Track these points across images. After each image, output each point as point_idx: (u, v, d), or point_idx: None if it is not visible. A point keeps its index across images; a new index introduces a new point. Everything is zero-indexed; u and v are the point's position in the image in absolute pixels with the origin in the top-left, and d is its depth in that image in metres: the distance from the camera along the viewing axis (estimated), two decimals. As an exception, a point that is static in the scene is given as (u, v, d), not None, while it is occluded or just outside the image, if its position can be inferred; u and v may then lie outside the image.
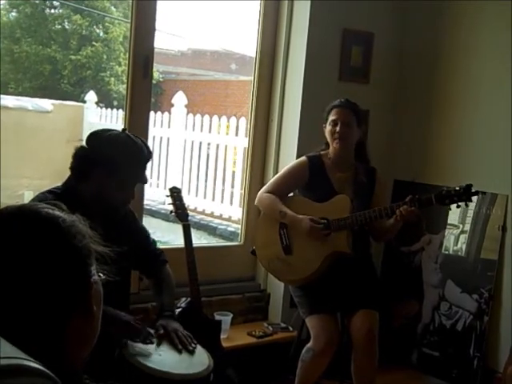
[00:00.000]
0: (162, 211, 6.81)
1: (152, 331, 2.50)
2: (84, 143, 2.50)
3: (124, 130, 2.60)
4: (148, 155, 2.53)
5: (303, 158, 3.38)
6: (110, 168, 2.42)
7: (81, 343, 1.07)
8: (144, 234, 2.82)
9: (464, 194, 2.97)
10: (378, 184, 3.39)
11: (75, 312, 1.04)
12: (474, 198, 3.12)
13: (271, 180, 3.44)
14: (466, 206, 3.06)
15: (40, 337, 0.97)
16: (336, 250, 3.16)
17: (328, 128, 3.28)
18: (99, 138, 2.48)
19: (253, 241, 3.55)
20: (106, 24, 8.52)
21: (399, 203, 3.05)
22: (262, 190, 3.38)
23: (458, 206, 3.03)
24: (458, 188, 2.99)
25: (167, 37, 8.38)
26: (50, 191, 2.47)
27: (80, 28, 8.13)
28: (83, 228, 1.10)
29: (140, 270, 2.86)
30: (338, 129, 3.23)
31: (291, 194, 3.41)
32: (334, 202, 3.22)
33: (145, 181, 2.61)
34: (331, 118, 3.26)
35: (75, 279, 1.05)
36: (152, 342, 2.44)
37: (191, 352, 2.49)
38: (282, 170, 3.45)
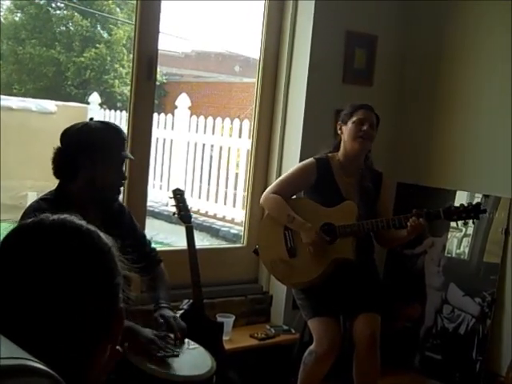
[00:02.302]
0: (165, 213, 6.82)
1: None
2: (59, 144, 2.50)
3: (91, 119, 2.61)
4: (121, 132, 2.57)
5: (311, 159, 3.33)
6: (93, 156, 2.44)
7: (103, 368, 1.07)
8: (140, 233, 2.83)
9: (472, 211, 2.97)
10: (383, 189, 3.37)
11: (104, 339, 1.05)
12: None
13: (277, 180, 3.40)
14: (473, 223, 3.07)
15: (68, 361, 0.97)
16: (340, 257, 3.15)
17: (350, 126, 3.22)
18: (71, 133, 2.49)
19: (256, 240, 3.54)
20: (110, 26, 8.54)
21: (407, 215, 3.03)
22: (267, 190, 3.34)
23: (466, 223, 3.03)
24: (466, 205, 2.99)
25: (171, 38, 8.39)
26: (42, 199, 2.46)
27: (84, 30, 8.14)
28: (113, 245, 1.09)
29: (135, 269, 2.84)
30: (364, 127, 3.20)
31: (298, 196, 3.40)
32: (341, 208, 3.19)
33: (128, 156, 2.62)
34: (357, 116, 3.21)
35: (111, 308, 1.04)
36: (176, 355, 2.45)
37: (176, 345, 2.51)
38: (289, 171, 3.40)
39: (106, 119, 7.69)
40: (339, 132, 3.30)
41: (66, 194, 2.44)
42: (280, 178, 3.43)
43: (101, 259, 1.04)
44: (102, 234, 1.07)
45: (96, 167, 2.45)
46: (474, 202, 3.01)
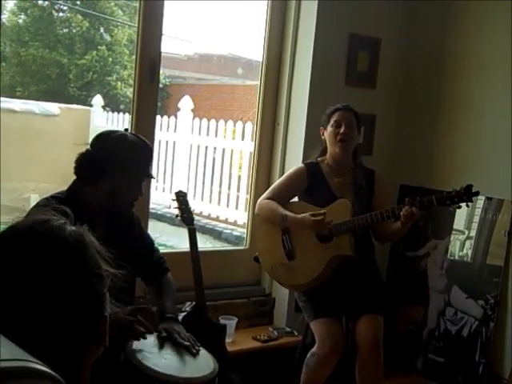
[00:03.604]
0: (168, 215, 6.82)
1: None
2: (89, 147, 2.50)
3: (126, 129, 2.61)
4: (152, 150, 2.59)
5: (301, 165, 3.41)
6: (122, 169, 2.44)
7: (88, 367, 1.09)
8: (148, 240, 2.82)
9: (465, 195, 2.98)
10: (377, 186, 3.40)
11: (90, 341, 1.06)
12: (475, 199, 3.12)
13: (270, 188, 3.44)
14: (467, 206, 3.07)
15: (58, 365, 0.98)
16: (339, 254, 3.16)
17: (330, 130, 3.28)
18: (106, 140, 2.50)
19: (255, 248, 3.55)
20: (112, 28, 8.54)
21: (400, 205, 3.06)
22: (261, 198, 3.39)
23: (459, 207, 3.04)
24: (458, 189, 3.00)
25: (174, 41, 8.39)
26: (53, 196, 2.46)
27: (86, 32, 8.15)
28: (94, 246, 1.09)
29: (141, 277, 2.81)
30: (341, 130, 3.24)
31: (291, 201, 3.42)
32: (334, 206, 3.22)
33: (152, 176, 2.64)
34: (334, 119, 3.27)
35: (91, 315, 1.05)
36: (145, 336, 2.39)
37: (194, 354, 2.48)
38: (281, 178, 3.47)
39: (109, 121, 7.71)
40: (322, 138, 3.35)
41: (80, 196, 2.43)
42: (272, 185, 3.47)
43: (67, 259, 1.04)
44: (74, 233, 1.08)
45: (121, 181, 2.45)
46: (465, 185, 3.00)
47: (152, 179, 2.72)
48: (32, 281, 1.00)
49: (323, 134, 3.35)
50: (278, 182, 3.46)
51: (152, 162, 2.60)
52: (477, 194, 3.01)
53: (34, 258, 1.02)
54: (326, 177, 3.33)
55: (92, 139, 2.52)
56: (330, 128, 3.28)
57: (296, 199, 3.41)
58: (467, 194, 2.99)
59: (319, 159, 3.38)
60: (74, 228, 1.08)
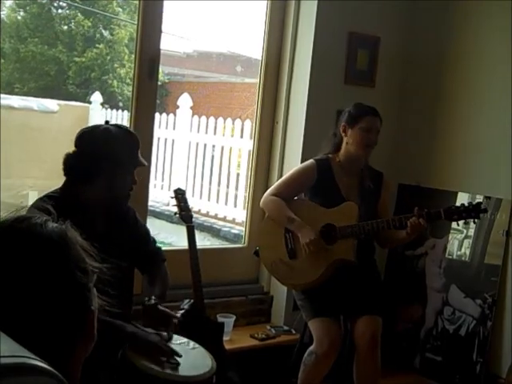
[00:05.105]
0: (166, 212, 6.82)
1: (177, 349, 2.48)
2: (74, 147, 2.49)
3: (107, 122, 2.60)
4: (137, 137, 2.59)
5: (311, 161, 3.32)
6: (112, 163, 2.45)
7: (78, 363, 1.08)
8: (144, 231, 2.82)
9: (473, 211, 2.97)
10: (384, 189, 3.37)
11: (78, 339, 1.06)
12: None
13: (277, 182, 3.40)
14: (474, 222, 3.07)
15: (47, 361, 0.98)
16: (340, 258, 3.15)
17: (357, 132, 3.20)
18: (91, 138, 2.49)
19: (256, 241, 3.54)
20: (112, 26, 8.53)
21: (407, 215, 3.03)
22: (267, 192, 3.34)
23: (467, 223, 3.03)
24: (467, 205, 2.99)
25: (173, 38, 8.39)
26: (48, 196, 2.46)
27: (85, 29, 8.14)
28: (77, 241, 1.08)
29: (137, 267, 2.81)
30: (372, 137, 3.20)
31: (299, 197, 3.39)
32: (341, 208, 3.19)
33: (143, 163, 2.61)
34: (366, 123, 3.20)
35: (77, 310, 1.05)
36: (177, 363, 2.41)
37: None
38: (289, 173, 3.39)
39: (108, 119, 7.68)
40: (342, 134, 3.26)
41: (75, 195, 2.44)
42: (280, 180, 3.43)
43: (49, 255, 1.04)
44: (56, 228, 1.07)
45: (114, 175, 2.46)
46: (475, 202, 3.01)
47: (143, 166, 2.66)
48: (14, 278, 0.99)
49: (344, 130, 3.25)
50: (286, 176, 3.38)
51: (139, 149, 2.57)
52: (485, 211, 3.01)
53: (16, 255, 1.01)
54: (335, 176, 3.27)
55: (76, 138, 2.50)
56: (357, 130, 3.20)
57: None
58: (475, 211, 2.98)
59: (330, 156, 3.31)
60: (56, 224, 1.08)
